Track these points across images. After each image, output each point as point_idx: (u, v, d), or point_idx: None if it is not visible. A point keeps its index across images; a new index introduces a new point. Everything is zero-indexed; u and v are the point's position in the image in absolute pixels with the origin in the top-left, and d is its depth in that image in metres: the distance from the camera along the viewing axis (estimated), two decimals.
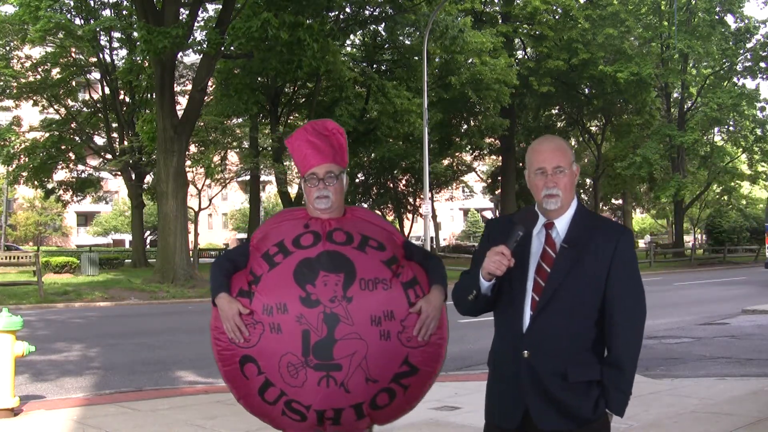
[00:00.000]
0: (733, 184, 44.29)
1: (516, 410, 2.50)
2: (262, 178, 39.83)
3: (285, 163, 32.70)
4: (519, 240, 2.50)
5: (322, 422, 2.85)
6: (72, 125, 34.79)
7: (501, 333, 2.61)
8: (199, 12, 25.46)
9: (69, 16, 30.65)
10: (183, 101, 27.42)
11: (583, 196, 52.20)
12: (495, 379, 2.62)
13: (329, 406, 2.80)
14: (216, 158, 32.77)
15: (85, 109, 36.54)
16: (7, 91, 33.00)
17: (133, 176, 33.33)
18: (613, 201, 56.24)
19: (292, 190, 36.35)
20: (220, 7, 24.02)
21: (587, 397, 2.45)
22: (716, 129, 42.17)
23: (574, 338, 2.46)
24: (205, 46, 21.44)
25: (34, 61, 33.32)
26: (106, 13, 32.18)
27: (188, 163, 26.70)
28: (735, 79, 39.39)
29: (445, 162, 42.68)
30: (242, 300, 2.82)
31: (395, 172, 40.13)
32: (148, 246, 44.24)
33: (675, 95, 41.54)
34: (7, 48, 32.11)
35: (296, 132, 3.11)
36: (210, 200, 36.25)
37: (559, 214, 2.55)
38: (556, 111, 45.39)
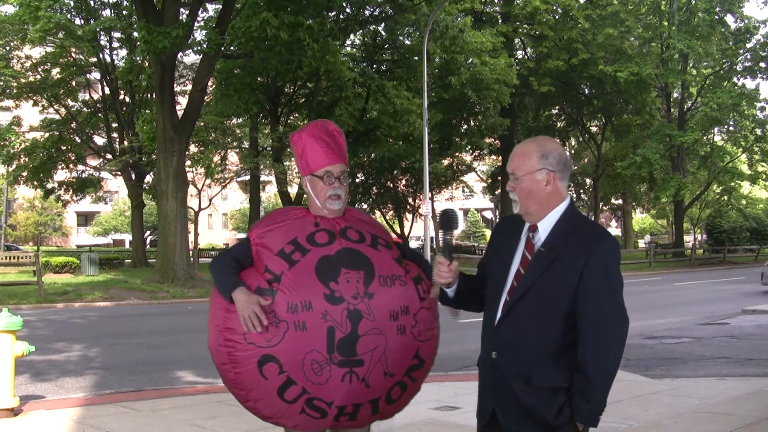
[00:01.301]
0: (733, 184, 44.31)
1: (486, 408, 2.54)
2: (262, 178, 39.84)
3: (285, 163, 32.69)
4: (449, 245, 2.58)
5: (339, 419, 2.88)
6: (72, 125, 34.78)
7: (482, 333, 2.65)
8: (199, 12, 25.45)
9: (69, 16, 30.64)
10: (183, 101, 27.42)
11: (582, 196, 52.22)
12: (479, 378, 2.65)
13: (351, 401, 2.84)
14: (216, 158, 32.76)
15: (85, 109, 36.54)
16: (7, 91, 32.99)
17: (133, 176, 33.33)
18: (613, 201, 56.24)
19: (292, 190, 36.34)
20: (220, 7, 24.02)
21: (552, 403, 2.40)
22: (716, 129, 42.18)
23: (540, 342, 2.42)
24: (205, 46, 21.43)
25: (34, 61, 33.31)
26: (106, 13, 32.19)
27: (188, 163, 26.70)
28: (735, 79, 39.42)
29: (445, 162, 42.67)
30: (263, 298, 2.82)
31: (395, 172, 40.11)
32: (148, 246, 44.26)
33: (675, 95, 41.54)
34: (7, 48, 32.11)
35: (305, 129, 3.13)
36: (210, 200, 36.28)
37: (538, 218, 2.52)
38: (556, 111, 45.40)
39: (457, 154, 43.30)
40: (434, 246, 31.65)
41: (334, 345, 2.77)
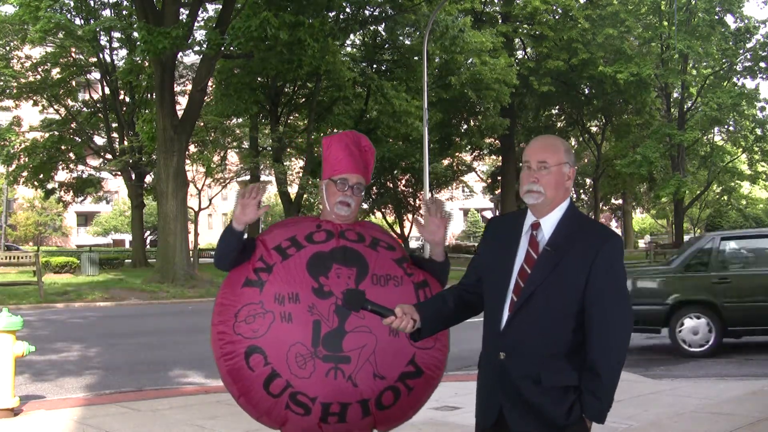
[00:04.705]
0: (733, 184, 44.33)
1: (492, 410, 2.50)
2: (262, 178, 39.81)
3: (285, 163, 32.69)
4: (377, 308, 2.55)
5: (326, 419, 2.84)
6: (72, 125, 34.79)
7: (485, 333, 2.62)
8: (199, 12, 25.45)
9: (69, 16, 30.63)
10: (183, 101, 27.42)
11: (582, 196, 52.18)
12: (479, 379, 2.63)
13: (336, 399, 2.80)
14: (216, 158, 32.75)
15: (85, 109, 36.54)
16: (7, 91, 33.00)
17: (133, 176, 33.32)
18: (613, 201, 56.22)
19: (292, 190, 36.33)
20: (220, 7, 24.01)
21: (561, 402, 2.40)
22: (716, 129, 42.17)
23: (550, 343, 2.41)
24: (205, 46, 21.44)
25: (34, 61, 33.31)
26: (106, 13, 32.18)
27: (188, 162, 26.70)
28: (735, 79, 39.41)
29: (445, 162, 42.67)
30: (252, 289, 2.86)
31: (395, 172, 40.11)
32: (148, 246, 44.24)
33: (675, 95, 41.52)
34: (7, 48, 32.11)
35: (338, 135, 3.22)
36: (210, 200, 36.25)
37: (543, 214, 2.51)
38: (556, 111, 45.38)
39: (457, 154, 43.30)
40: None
41: (320, 339, 2.77)
